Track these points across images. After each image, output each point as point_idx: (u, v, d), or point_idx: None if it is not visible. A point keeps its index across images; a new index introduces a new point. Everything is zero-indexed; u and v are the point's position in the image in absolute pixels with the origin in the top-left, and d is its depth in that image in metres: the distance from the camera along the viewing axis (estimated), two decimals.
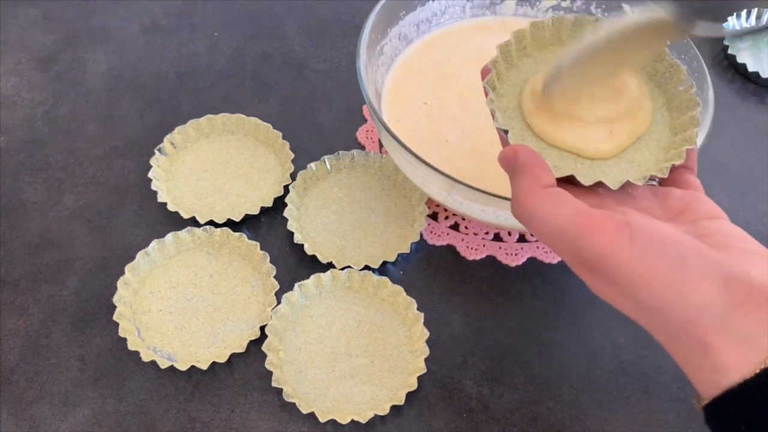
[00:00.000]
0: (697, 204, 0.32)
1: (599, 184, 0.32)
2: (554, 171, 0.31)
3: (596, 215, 0.28)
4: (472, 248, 0.51)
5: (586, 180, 0.32)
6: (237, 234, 0.50)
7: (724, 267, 0.27)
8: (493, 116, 0.34)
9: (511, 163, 0.32)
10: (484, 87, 0.36)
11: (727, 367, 0.26)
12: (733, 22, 0.66)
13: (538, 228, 0.30)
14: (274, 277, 0.48)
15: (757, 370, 0.25)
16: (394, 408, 0.43)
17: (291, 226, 0.50)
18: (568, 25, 0.37)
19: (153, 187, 0.52)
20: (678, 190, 0.33)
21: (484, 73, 0.37)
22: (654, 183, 0.34)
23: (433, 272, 0.50)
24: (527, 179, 0.30)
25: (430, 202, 0.52)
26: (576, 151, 0.33)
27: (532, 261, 0.51)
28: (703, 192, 0.33)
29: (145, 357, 0.44)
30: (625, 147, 0.33)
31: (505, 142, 0.35)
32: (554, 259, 0.51)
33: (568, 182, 0.33)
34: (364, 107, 0.60)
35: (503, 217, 0.44)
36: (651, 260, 0.27)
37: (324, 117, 0.60)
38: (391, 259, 0.49)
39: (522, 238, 0.52)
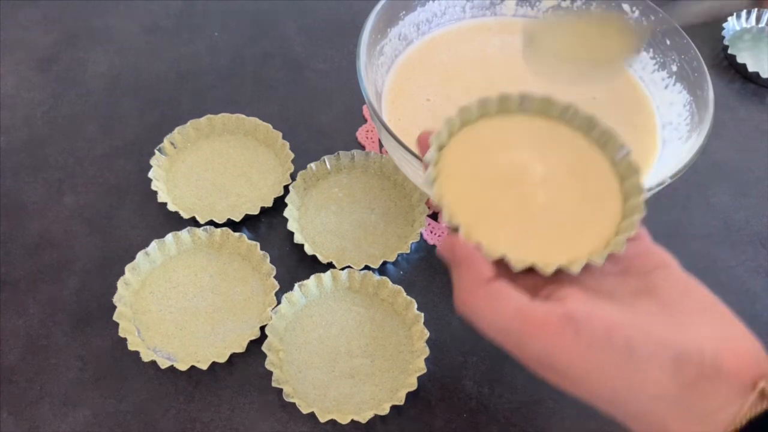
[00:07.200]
0: (645, 255, 0.31)
1: (560, 272, 0.30)
2: (513, 264, 0.29)
3: (538, 313, 0.28)
4: None
5: (548, 269, 0.29)
6: (237, 234, 0.50)
7: (673, 347, 0.26)
8: (433, 207, 0.32)
9: (447, 258, 0.31)
10: (423, 162, 0.33)
11: None
12: (733, 22, 0.67)
13: (483, 328, 0.29)
14: (274, 277, 0.48)
15: None
16: (394, 408, 0.43)
17: (291, 226, 0.50)
18: (494, 103, 0.34)
19: (153, 187, 0.52)
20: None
21: (422, 144, 0.34)
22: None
23: (433, 272, 0.50)
24: (466, 276, 0.29)
25: (430, 202, 0.52)
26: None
27: None
28: (650, 240, 0.32)
29: (145, 357, 0.44)
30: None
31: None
32: None
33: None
34: (364, 107, 0.60)
35: None
36: (599, 354, 0.27)
37: (324, 117, 0.60)
38: (391, 259, 0.49)
39: None
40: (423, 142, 0.34)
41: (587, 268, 0.30)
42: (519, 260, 0.30)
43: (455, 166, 0.32)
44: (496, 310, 0.28)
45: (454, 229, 0.31)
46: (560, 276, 0.30)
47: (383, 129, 0.42)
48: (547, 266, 0.29)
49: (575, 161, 0.33)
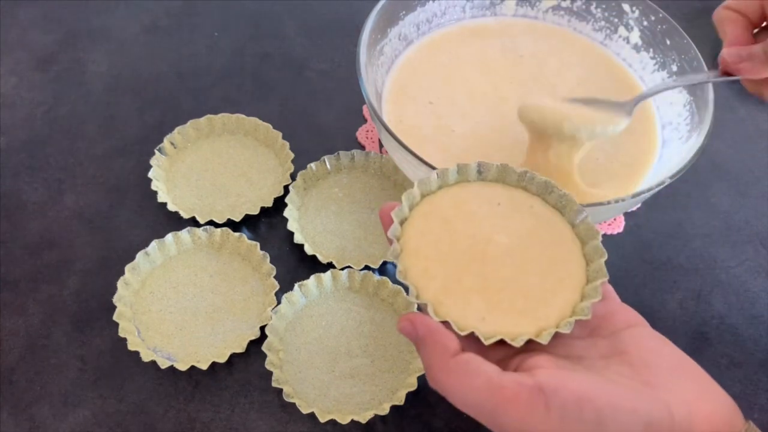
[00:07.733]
0: (612, 315, 0.31)
1: (530, 341, 0.30)
2: (483, 339, 0.30)
3: (508, 385, 0.27)
4: None
5: (517, 342, 0.30)
6: (237, 234, 0.50)
7: (644, 416, 0.27)
8: (405, 287, 0.31)
9: (410, 336, 0.30)
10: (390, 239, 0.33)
11: None
12: None
13: (456, 403, 0.29)
14: (274, 277, 0.48)
15: None
16: (394, 408, 0.43)
17: (291, 226, 0.50)
18: (453, 173, 0.34)
19: (153, 187, 0.52)
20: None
21: (385, 217, 0.34)
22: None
23: None
24: (433, 352, 0.29)
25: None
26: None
27: None
28: (617, 299, 0.33)
29: (145, 357, 0.44)
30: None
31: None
32: None
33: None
34: (364, 107, 0.60)
35: None
36: (570, 427, 0.27)
37: (324, 117, 0.60)
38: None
39: None
40: (385, 216, 0.33)
41: (556, 335, 0.30)
42: (488, 335, 0.30)
43: (417, 241, 0.32)
44: (467, 385, 0.28)
45: (422, 307, 0.31)
46: (530, 345, 0.30)
47: (383, 129, 0.42)
48: (516, 339, 0.30)
49: (536, 227, 0.33)
